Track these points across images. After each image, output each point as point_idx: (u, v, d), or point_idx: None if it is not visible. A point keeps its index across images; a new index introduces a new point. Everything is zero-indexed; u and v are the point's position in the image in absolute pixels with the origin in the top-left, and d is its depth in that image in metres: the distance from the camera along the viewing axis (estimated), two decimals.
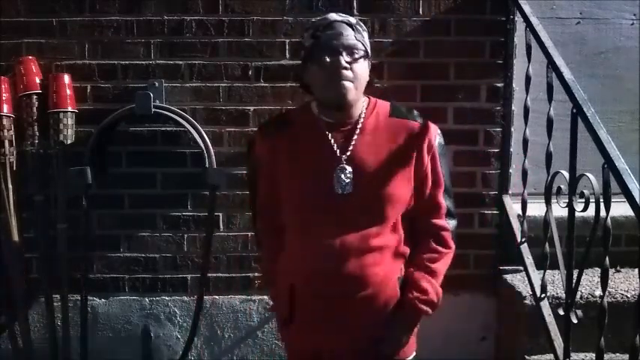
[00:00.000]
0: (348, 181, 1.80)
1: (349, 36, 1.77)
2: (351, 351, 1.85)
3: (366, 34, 1.83)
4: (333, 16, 1.81)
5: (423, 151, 1.84)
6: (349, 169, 1.80)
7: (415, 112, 1.90)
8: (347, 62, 1.75)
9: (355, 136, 1.83)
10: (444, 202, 1.88)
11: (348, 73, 1.75)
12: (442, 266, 1.89)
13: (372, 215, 1.81)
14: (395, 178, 1.82)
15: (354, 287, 1.81)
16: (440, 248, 1.88)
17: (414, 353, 1.95)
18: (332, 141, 1.83)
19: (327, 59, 1.75)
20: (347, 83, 1.76)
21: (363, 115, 1.85)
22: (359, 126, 1.84)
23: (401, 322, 1.85)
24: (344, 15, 1.83)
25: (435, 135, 1.87)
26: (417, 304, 1.83)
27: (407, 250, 1.89)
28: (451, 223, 1.91)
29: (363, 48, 1.79)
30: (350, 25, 1.79)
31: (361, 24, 1.84)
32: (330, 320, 1.83)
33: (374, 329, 1.83)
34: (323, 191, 1.80)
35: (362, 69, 1.79)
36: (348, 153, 1.82)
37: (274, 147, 1.88)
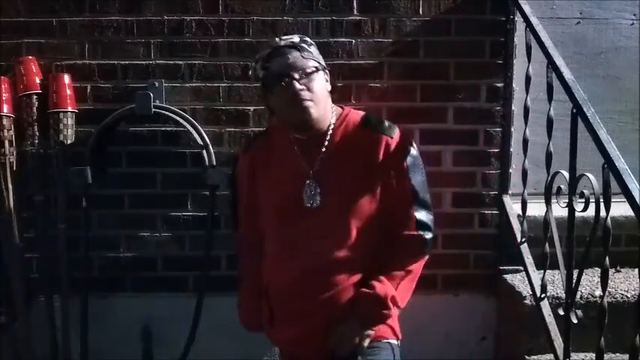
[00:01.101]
0: (315, 195, 1.86)
1: (296, 58, 1.82)
2: (319, 353, 1.88)
3: (314, 49, 1.88)
4: (276, 41, 1.87)
5: (390, 164, 1.86)
6: (316, 183, 1.86)
7: (387, 124, 1.92)
8: (301, 84, 1.79)
9: (323, 150, 1.88)
10: (414, 214, 1.88)
11: (305, 94, 1.80)
12: (404, 272, 1.87)
13: (338, 228, 1.85)
14: (361, 192, 1.86)
15: (321, 292, 1.85)
16: (409, 258, 1.88)
17: (397, 340, 1.94)
18: (301, 156, 1.89)
19: (282, 86, 1.80)
20: (307, 103, 1.80)
21: (331, 128, 1.90)
22: (327, 139, 1.89)
23: (353, 318, 1.85)
24: (286, 37, 1.89)
25: (407, 147, 1.89)
26: (362, 298, 1.83)
27: (373, 260, 1.89)
28: (425, 234, 1.89)
29: (314, 64, 1.84)
30: (294, 46, 1.84)
31: (306, 40, 1.89)
32: (300, 325, 1.88)
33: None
34: (293, 205, 1.86)
35: (318, 85, 1.83)
36: (316, 167, 1.87)
37: (253, 161, 1.96)
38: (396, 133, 1.89)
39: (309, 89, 1.80)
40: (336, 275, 1.86)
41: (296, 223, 1.87)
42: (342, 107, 1.96)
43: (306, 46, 1.86)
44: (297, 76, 1.79)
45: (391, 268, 1.86)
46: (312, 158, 1.88)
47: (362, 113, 1.96)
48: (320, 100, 1.83)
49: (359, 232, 1.86)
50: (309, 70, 1.81)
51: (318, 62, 1.86)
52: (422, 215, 1.89)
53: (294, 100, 1.79)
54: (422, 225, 1.89)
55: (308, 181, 1.86)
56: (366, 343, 1.85)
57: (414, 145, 1.92)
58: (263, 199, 1.94)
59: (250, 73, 1.93)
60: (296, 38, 1.88)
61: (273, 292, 1.93)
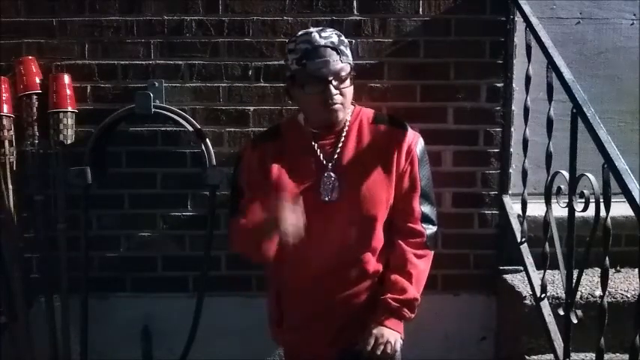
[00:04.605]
0: (333, 188, 1.86)
1: (336, 62, 1.80)
2: (334, 351, 1.90)
3: (349, 50, 1.86)
4: (316, 39, 1.81)
5: (402, 156, 1.89)
6: (334, 176, 1.87)
7: (398, 120, 1.96)
8: (336, 88, 1.80)
9: (340, 144, 1.90)
10: (419, 208, 1.92)
11: (337, 97, 1.81)
12: (417, 270, 1.91)
13: (358, 220, 1.87)
14: (378, 183, 1.88)
15: (340, 289, 1.88)
16: (415, 251, 1.91)
17: (400, 339, 1.94)
18: (318, 150, 1.90)
19: (317, 88, 1.80)
20: (337, 106, 1.83)
21: (347, 124, 1.92)
22: (343, 134, 1.91)
23: (378, 322, 1.87)
24: (326, 34, 1.83)
25: (416, 142, 1.93)
26: (392, 303, 1.86)
27: (386, 252, 1.93)
28: (429, 229, 1.93)
29: (348, 68, 1.83)
30: (334, 48, 1.80)
31: (343, 40, 1.86)
32: (316, 321, 1.90)
33: (356, 330, 1.87)
34: (311, 199, 1.84)
35: (349, 89, 1.85)
36: (334, 161, 1.88)
37: (263, 156, 1.93)
38: (408, 128, 1.94)
39: (341, 94, 1.82)
40: (354, 271, 1.88)
41: (313, 218, 1.83)
42: (353, 105, 1.97)
43: (343, 48, 1.83)
44: (333, 81, 1.80)
45: (404, 263, 1.89)
46: (329, 152, 1.89)
47: (371, 110, 1.99)
48: (347, 103, 1.87)
49: (376, 225, 1.88)
50: (344, 76, 1.81)
51: (351, 64, 1.85)
52: (426, 209, 1.94)
53: (327, 103, 1.81)
54: (425, 218, 1.93)
55: (326, 175, 1.87)
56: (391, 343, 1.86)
57: (422, 140, 1.96)
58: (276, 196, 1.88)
59: (286, 62, 1.88)
60: (334, 37, 1.83)
61: (286, 293, 1.93)
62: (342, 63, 1.81)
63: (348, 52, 1.85)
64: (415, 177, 1.92)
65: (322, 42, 1.80)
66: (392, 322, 1.87)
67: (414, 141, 1.92)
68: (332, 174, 1.87)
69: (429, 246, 1.93)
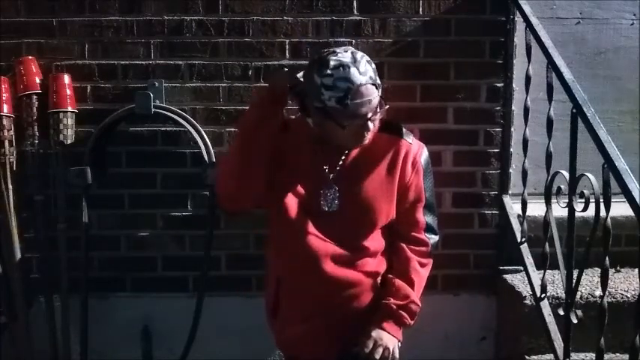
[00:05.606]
0: (334, 199, 1.86)
1: (374, 97, 1.73)
2: (333, 351, 1.90)
3: (376, 74, 1.77)
4: (356, 77, 1.70)
5: (407, 168, 1.89)
6: (336, 187, 1.86)
7: (403, 129, 1.95)
8: (372, 121, 1.77)
9: (345, 153, 1.88)
10: (423, 218, 1.94)
11: (372, 128, 1.79)
12: (419, 277, 1.93)
13: (357, 230, 1.88)
14: (380, 194, 1.88)
15: (340, 291, 1.88)
16: (419, 259, 1.93)
17: (398, 342, 1.95)
18: (322, 159, 1.88)
19: (356, 125, 1.75)
20: (368, 136, 1.81)
21: None
22: None
23: (377, 325, 1.87)
24: (363, 68, 1.72)
25: (421, 153, 1.93)
26: (394, 308, 1.88)
27: (386, 260, 1.94)
28: (432, 239, 1.96)
29: (379, 97, 1.77)
30: (374, 83, 1.73)
31: (374, 66, 1.76)
32: (315, 322, 1.90)
33: (356, 331, 1.88)
34: (311, 208, 1.86)
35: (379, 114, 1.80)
36: (337, 170, 1.88)
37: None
38: (413, 138, 1.93)
39: (374, 123, 1.79)
40: (353, 273, 1.88)
41: (313, 225, 1.86)
42: None
43: (377, 78, 1.76)
44: (372, 116, 1.75)
45: (406, 271, 1.91)
46: (333, 160, 1.89)
47: None
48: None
49: (376, 234, 1.90)
50: (379, 109, 1.77)
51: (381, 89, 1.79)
52: (429, 219, 1.96)
53: (362, 135, 1.79)
54: (429, 228, 1.96)
55: (327, 185, 1.87)
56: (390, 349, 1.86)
57: (426, 150, 1.96)
58: (277, 196, 1.88)
59: (302, 77, 1.78)
60: (370, 70, 1.73)
61: (285, 286, 1.94)
62: (378, 96, 1.75)
63: (377, 78, 1.77)
64: (420, 188, 1.92)
65: (363, 80, 1.71)
66: (391, 326, 1.87)
67: (419, 152, 1.92)
68: (334, 185, 1.87)
69: (431, 255, 1.97)
